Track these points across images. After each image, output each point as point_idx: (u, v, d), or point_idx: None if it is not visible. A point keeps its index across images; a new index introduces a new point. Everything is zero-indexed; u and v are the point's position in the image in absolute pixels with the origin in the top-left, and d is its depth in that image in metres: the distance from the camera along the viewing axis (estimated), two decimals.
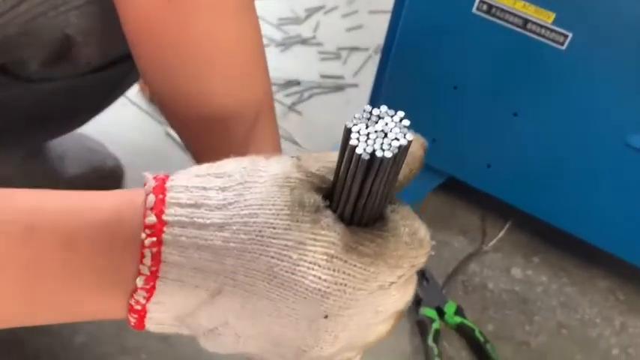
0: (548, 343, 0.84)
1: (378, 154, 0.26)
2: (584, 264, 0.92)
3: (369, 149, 0.26)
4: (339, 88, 1.12)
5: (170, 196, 0.29)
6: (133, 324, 0.31)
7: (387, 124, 0.27)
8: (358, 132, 0.27)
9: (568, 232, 0.85)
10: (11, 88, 0.65)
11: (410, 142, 0.27)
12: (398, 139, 0.27)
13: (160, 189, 0.30)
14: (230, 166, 0.31)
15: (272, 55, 1.16)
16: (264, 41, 1.18)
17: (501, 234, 0.94)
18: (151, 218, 0.29)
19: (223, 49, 0.50)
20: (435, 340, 0.80)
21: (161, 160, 0.94)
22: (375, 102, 0.87)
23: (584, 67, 0.69)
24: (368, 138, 0.27)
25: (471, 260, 0.91)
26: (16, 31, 0.55)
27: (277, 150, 0.53)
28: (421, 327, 0.82)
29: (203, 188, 0.30)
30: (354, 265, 0.29)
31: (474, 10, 0.70)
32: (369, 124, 0.27)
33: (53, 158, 0.87)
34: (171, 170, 0.32)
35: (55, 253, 0.29)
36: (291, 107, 1.07)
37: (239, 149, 0.51)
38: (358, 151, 0.26)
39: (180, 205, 0.29)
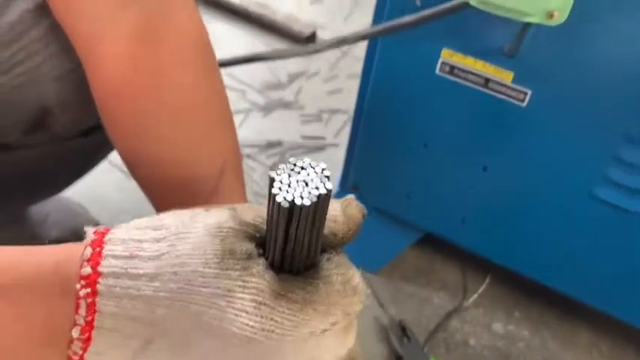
0: None
1: (297, 202, 0.28)
2: (565, 316, 0.92)
3: (289, 197, 0.28)
4: (320, 148, 1.14)
5: (107, 248, 0.30)
6: None
7: (308, 174, 0.29)
8: (280, 181, 0.28)
9: (546, 285, 0.85)
10: None
11: (330, 192, 0.28)
12: (318, 189, 0.28)
13: (99, 242, 0.31)
14: (169, 219, 0.32)
15: (255, 119, 1.20)
16: (248, 106, 1.22)
17: (482, 289, 0.94)
18: (86, 269, 0.30)
19: (187, 112, 0.53)
20: None
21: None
22: (349, 161, 0.89)
23: (545, 121, 0.71)
24: (289, 187, 0.28)
25: (452, 316, 0.91)
26: None
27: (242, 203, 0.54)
28: None
29: (139, 241, 0.31)
30: (282, 312, 0.29)
31: (437, 71, 0.73)
32: (291, 174, 0.29)
33: (35, 222, 0.88)
34: None
35: None
36: (273, 167, 1.09)
37: (203, 206, 0.52)
38: (278, 199, 0.28)
39: (115, 257, 0.30)
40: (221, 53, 1.43)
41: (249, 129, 1.17)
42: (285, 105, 1.23)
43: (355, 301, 0.32)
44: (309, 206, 0.28)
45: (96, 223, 0.93)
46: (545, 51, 0.66)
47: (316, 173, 0.29)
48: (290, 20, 1.43)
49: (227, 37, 1.39)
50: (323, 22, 1.45)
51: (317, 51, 0.75)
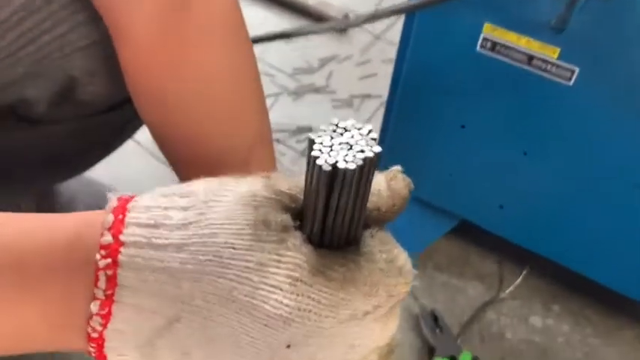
0: None
1: (341, 165, 0.25)
2: (609, 311, 0.87)
3: (331, 160, 0.25)
4: None
5: (130, 216, 0.28)
6: (93, 354, 0.29)
7: (352, 136, 0.26)
8: (321, 143, 0.26)
9: (586, 276, 0.81)
10: (19, 131, 0.66)
11: (377, 155, 0.25)
12: (363, 151, 0.25)
13: (121, 209, 0.28)
14: (197, 185, 0.30)
15: (285, 103, 1.17)
16: (277, 90, 1.19)
17: (519, 280, 0.90)
18: (107, 238, 0.27)
19: (215, 85, 0.50)
20: None
21: None
22: (382, 141, 0.86)
23: (593, 103, 0.67)
24: (331, 150, 0.25)
25: (488, 308, 0.87)
26: (24, 71, 0.57)
27: None
28: None
29: (165, 208, 0.28)
30: (320, 290, 0.27)
31: (477, 48, 0.70)
32: (334, 136, 0.26)
33: (61, 203, 0.87)
34: None
35: (6, 276, 0.28)
36: (303, 153, 1.06)
37: None
38: (319, 162, 0.25)
39: (139, 225, 0.28)
40: (252, 34, 1.39)
41: (278, 113, 1.14)
42: (316, 90, 1.20)
43: (400, 282, 0.29)
44: (354, 170, 0.25)
45: None
46: (596, 25, 0.62)
47: (361, 135, 0.26)
48: (323, 5, 1.40)
49: (259, 22, 1.37)
50: (356, 7, 1.41)
51: (351, 25, 0.72)
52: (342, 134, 0.26)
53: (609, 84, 0.65)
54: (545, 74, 0.67)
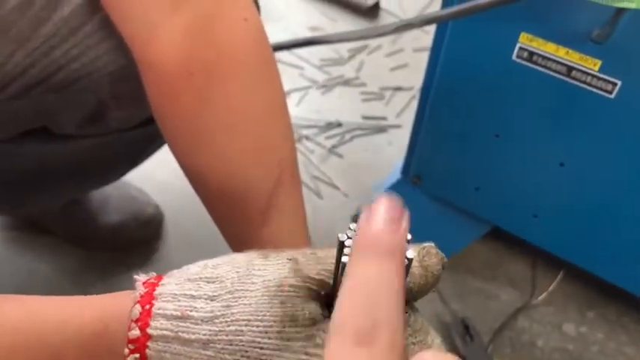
0: None
1: None
2: None
3: None
4: (382, 130, 1.09)
5: (157, 306, 0.28)
6: None
7: None
8: (350, 247, 0.25)
9: (623, 288, 0.79)
10: (51, 144, 0.67)
11: (411, 261, 0.24)
12: None
13: (148, 297, 0.28)
14: (224, 268, 0.29)
15: (314, 97, 1.16)
16: (306, 83, 1.18)
17: (553, 285, 0.89)
18: (135, 332, 0.27)
19: (243, 120, 0.49)
20: None
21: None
22: (413, 147, 0.84)
23: (635, 115, 0.64)
24: None
25: (520, 314, 0.86)
26: (54, 97, 0.57)
27: (300, 214, 0.51)
28: None
29: (191, 297, 0.28)
30: None
31: (514, 57, 0.67)
32: None
33: (94, 206, 0.88)
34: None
35: None
36: (332, 150, 1.05)
37: (260, 217, 0.50)
38: None
39: (166, 317, 0.28)
40: (281, 25, 1.36)
41: (307, 108, 1.13)
42: (346, 82, 1.18)
43: None
44: None
45: (155, 207, 0.92)
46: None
47: None
48: None
49: (286, 7, 1.35)
50: None
51: (380, 35, 0.70)
52: None
53: None
54: (585, 86, 0.64)
